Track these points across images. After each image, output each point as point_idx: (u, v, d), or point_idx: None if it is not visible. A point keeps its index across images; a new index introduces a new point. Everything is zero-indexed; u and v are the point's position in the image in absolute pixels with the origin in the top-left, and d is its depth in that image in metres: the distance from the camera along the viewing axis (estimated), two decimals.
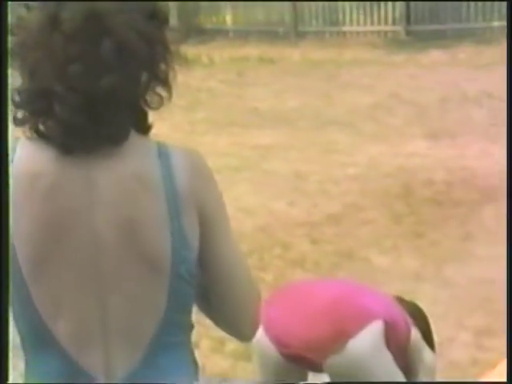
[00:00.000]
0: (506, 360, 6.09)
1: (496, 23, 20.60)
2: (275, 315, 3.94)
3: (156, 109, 2.53)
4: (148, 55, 2.44)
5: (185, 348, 2.64)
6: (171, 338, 2.55)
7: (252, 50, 19.92)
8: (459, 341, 6.50)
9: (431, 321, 6.66)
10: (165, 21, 2.50)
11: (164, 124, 12.68)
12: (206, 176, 2.55)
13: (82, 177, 2.39)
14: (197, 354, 6.10)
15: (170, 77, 2.56)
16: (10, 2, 2.43)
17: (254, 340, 3.81)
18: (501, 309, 6.75)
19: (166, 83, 2.54)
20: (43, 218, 2.38)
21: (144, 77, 2.46)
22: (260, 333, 3.86)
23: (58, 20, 2.32)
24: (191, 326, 2.65)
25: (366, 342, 3.77)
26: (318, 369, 4.06)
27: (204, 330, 6.61)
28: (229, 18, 23.09)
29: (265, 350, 4.00)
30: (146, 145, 2.50)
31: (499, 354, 6.16)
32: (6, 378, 2.51)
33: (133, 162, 2.43)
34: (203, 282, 2.57)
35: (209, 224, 2.51)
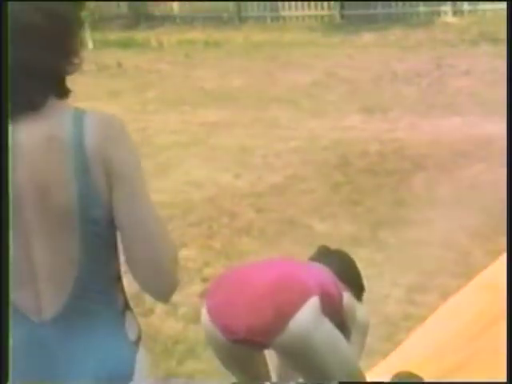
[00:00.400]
0: (436, 314, 6.21)
1: (422, 8, 20.73)
2: (219, 303, 3.94)
3: (71, 74, 2.57)
4: (55, 31, 2.50)
5: (111, 296, 2.61)
6: (94, 286, 2.55)
7: (198, 34, 19.88)
8: (393, 297, 6.56)
9: (367, 281, 6.77)
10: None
11: (116, 104, 12.80)
12: (116, 137, 2.52)
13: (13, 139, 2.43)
14: (152, 318, 6.19)
15: (79, 47, 2.59)
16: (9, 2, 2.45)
17: (203, 326, 3.91)
18: (431, 268, 6.86)
19: (76, 53, 2.56)
20: None
21: (55, 49, 2.50)
22: (207, 321, 3.92)
23: None
24: (117, 276, 2.62)
25: (305, 319, 3.78)
26: (267, 348, 4.09)
27: None
28: (176, 5, 22.96)
29: (213, 336, 4.00)
30: (63, 109, 2.53)
31: (430, 309, 6.28)
32: (6, 378, 2.52)
33: (48, 124, 2.48)
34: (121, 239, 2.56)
35: (119, 183, 2.47)
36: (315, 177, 9.60)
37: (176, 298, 6.64)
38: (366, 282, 6.62)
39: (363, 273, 6.85)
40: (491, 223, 7.78)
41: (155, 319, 6.24)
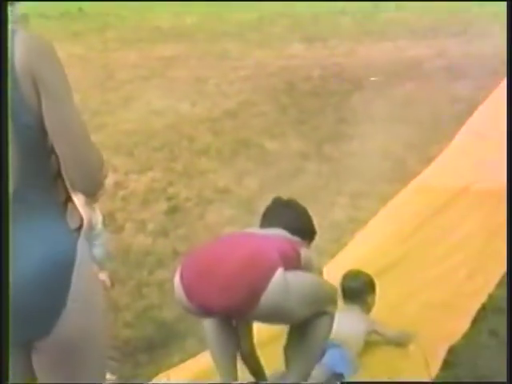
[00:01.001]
0: (377, 217, 6.22)
1: None
2: (193, 283, 3.84)
3: None
4: None
5: (51, 190, 2.59)
6: (34, 182, 2.53)
7: None
8: (338, 204, 6.55)
9: (315, 191, 6.77)
10: None
11: (79, 45, 12.67)
12: (40, 53, 2.48)
13: None
14: (123, 234, 6.13)
15: None
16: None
17: (178, 301, 3.87)
18: (371, 176, 6.84)
19: None
20: None
21: None
22: (184, 300, 3.82)
23: None
24: (56, 173, 2.59)
25: (275, 292, 3.71)
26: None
27: (127, 215, 6.66)
28: None
29: (189, 311, 3.96)
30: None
31: (371, 212, 6.28)
32: (6, 378, 2.47)
33: None
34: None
35: (45, 93, 2.46)
36: (264, 101, 9.53)
37: (144, 215, 6.66)
38: (314, 192, 6.70)
39: (312, 184, 6.90)
40: (423, 134, 7.80)
41: (126, 235, 6.19)
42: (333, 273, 5.21)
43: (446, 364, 4.29)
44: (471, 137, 7.64)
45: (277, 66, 10.98)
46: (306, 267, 4.08)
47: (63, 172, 2.57)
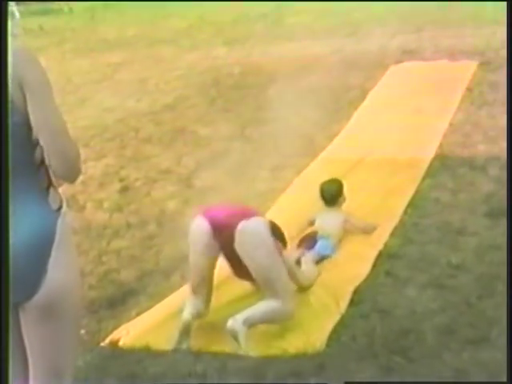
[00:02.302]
0: (292, 185, 6.16)
1: None
2: (210, 212, 4.19)
3: None
4: None
5: (36, 176, 2.55)
6: (21, 169, 2.50)
7: None
8: (260, 176, 6.48)
9: (242, 166, 6.72)
10: None
11: (41, 57, 12.40)
12: (27, 62, 2.47)
13: None
14: (85, 212, 5.99)
15: None
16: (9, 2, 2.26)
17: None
18: (286, 152, 6.81)
19: None
20: None
21: None
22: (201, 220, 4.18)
23: None
24: (40, 162, 2.54)
25: (256, 220, 3.98)
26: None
27: (87, 196, 6.53)
28: None
29: (202, 229, 4.16)
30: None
31: (288, 182, 6.25)
32: (7, 379, 2.39)
33: None
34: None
35: (31, 95, 2.44)
36: (196, 95, 9.46)
37: (101, 195, 6.53)
38: (240, 168, 6.65)
39: (238, 162, 6.85)
40: (326, 116, 7.81)
41: (87, 213, 6.08)
42: None
43: (352, 302, 4.28)
44: (364, 117, 7.67)
45: (205, 65, 10.91)
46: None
47: (47, 162, 2.52)
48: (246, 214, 4.12)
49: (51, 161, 2.50)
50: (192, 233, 4.28)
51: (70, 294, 2.66)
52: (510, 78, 6.18)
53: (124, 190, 6.60)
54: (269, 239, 4.07)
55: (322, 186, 5.27)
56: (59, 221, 2.57)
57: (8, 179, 2.44)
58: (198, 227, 4.21)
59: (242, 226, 4.02)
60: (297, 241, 5.02)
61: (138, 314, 4.40)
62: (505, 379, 2.95)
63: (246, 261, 4.07)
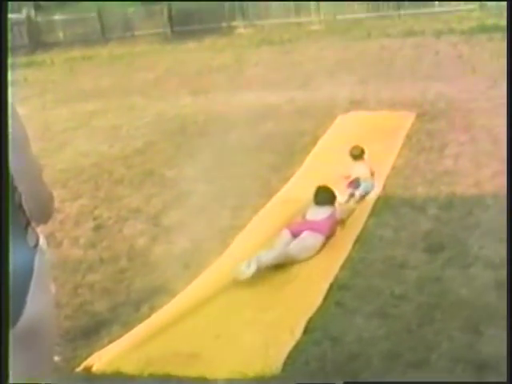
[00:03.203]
0: (251, 223, 6.15)
1: (224, 24, 20.66)
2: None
3: None
4: None
5: (16, 216, 2.52)
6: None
7: (77, 53, 19.36)
8: (223, 215, 6.46)
9: (206, 204, 6.69)
10: None
11: (26, 106, 12.35)
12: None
13: None
14: (62, 248, 5.89)
15: None
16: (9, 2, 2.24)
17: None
18: (245, 193, 6.81)
19: None
20: None
21: None
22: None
23: None
24: (19, 205, 2.52)
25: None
26: None
27: (64, 233, 6.46)
28: (61, 34, 22.16)
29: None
30: None
31: (247, 219, 6.22)
32: (6, 378, 2.34)
33: None
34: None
35: (12, 147, 2.41)
36: (164, 140, 9.42)
37: (77, 232, 6.46)
38: (204, 207, 6.65)
39: (202, 201, 6.83)
40: (281, 160, 7.84)
41: (64, 249, 6.01)
42: (221, 269, 5.20)
43: (306, 330, 4.30)
44: (316, 161, 7.73)
45: (172, 113, 10.89)
46: None
47: (23, 204, 2.51)
48: None
49: (27, 203, 2.50)
50: None
51: (46, 326, 2.64)
52: (510, 79, 6.10)
53: (97, 227, 6.55)
54: None
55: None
56: (36, 257, 2.55)
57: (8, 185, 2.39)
58: None
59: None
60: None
61: (110, 342, 4.35)
62: None
63: None
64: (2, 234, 2.38)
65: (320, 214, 5.80)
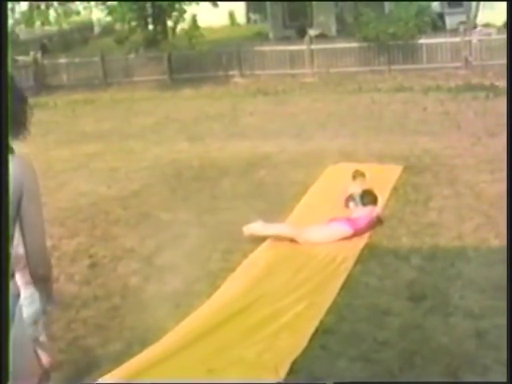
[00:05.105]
0: (240, 266, 6.22)
1: (220, 73, 20.89)
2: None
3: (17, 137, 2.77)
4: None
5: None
6: None
7: (79, 96, 19.46)
8: (213, 258, 6.55)
9: (198, 249, 6.76)
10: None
11: (28, 145, 12.41)
12: (29, 174, 2.66)
13: None
14: (58, 284, 5.93)
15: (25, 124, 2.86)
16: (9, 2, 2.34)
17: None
18: (236, 238, 6.89)
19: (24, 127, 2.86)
20: None
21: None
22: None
23: None
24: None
25: None
26: None
27: (60, 269, 6.50)
28: (65, 77, 22.35)
29: None
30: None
31: (237, 263, 6.28)
32: (6, 378, 2.37)
33: None
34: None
35: (27, 197, 2.60)
36: (160, 184, 9.49)
37: (73, 269, 6.52)
38: (196, 250, 6.72)
39: (195, 244, 6.91)
40: (272, 207, 7.91)
41: (60, 285, 6.03)
42: (210, 309, 5.26)
43: (291, 371, 4.36)
44: (305, 209, 7.82)
45: (168, 158, 10.96)
46: None
47: (26, 256, 2.62)
48: None
49: (31, 254, 2.63)
50: None
51: (25, 368, 2.73)
52: (510, 78, 5.96)
53: (93, 265, 6.60)
54: None
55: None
56: (17, 306, 2.66)
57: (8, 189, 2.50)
58: None
59: None
60: None
61: (100, 376, 4.39)
62: None
63: None
64: (2, 238, 2.46)
65: (359, 213, 7.05)
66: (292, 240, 6.71)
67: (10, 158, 2.57)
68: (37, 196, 2.67)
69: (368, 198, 7.35)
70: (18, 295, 2.67)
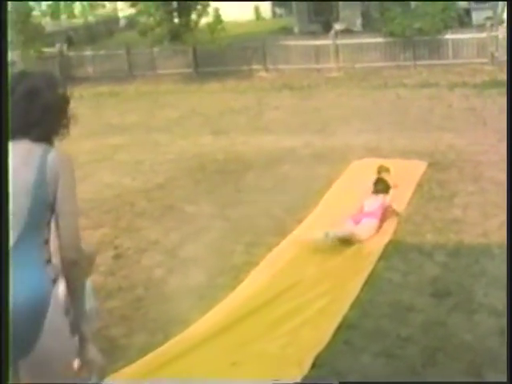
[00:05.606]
0: (264, 260, 6.23)
1: (244, 67, 20.85)
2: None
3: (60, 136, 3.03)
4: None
5: (41, 251, 2.74)
6: (30, 243, 2.71)
7: (105, 88, 19.51)
8: (237, 251, 6.55)
9: (221, 241, 6.78)
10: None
11: None
12: (65, 164, 2.83)
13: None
14: None
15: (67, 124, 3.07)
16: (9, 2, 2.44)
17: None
18: (260, 231, 6.90)
19: (65, 127, 3.06)
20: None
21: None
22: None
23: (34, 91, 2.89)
24: (46, 241, 2.77)
25: None
26: None
27: None
28: (90, 69, 22.44)
29: None
30: (43, 146, 2.85)
31: (260, 257, 6.29)
32: (6, 378, 2.43)
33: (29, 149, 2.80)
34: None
35: (62, 188, 2.75)
36: (184, 177, 9.53)
37: (97, 260, 6.51)
38: (219, 243, 6.74)
39: (218, 237, 6.93)
40: (296, 201, 7.91)
41: None
42: (234, 303, 5.27)
43: (314, 365, 4.36)
44: (329, 204, 7.80)
45: (193, 151, 11.00)
46: None
47: (59, 240, 2.73)
48: None
49: (64, 239, 2.73)
50: None
51: (60, 354, 2.76)
52: (510, 78, 5.90)
53: (117, 257, 6.65)
54: None
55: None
56: (54, 290, 2.73)
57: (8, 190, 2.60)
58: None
59: None
60: None
61: (124, 366, 4.43)
62: None
63: None
64: (2, 238, 2.54)
65: (374, 203, 7.07)
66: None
67: (49, 151, 2.79)
68: (72, 185, 2.79)
69: (379, 185, 7.39)
70: (55, 280, 2.74)
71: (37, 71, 3.11)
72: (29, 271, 2.66)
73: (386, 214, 7.06)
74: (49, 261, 2.76)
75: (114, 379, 4.21)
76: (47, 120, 2.89)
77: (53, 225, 2.80)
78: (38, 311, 2.64)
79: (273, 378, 4.16)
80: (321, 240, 6.34)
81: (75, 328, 2.88)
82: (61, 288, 2.87)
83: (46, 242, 2.77)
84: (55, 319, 2.70)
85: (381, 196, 7.30)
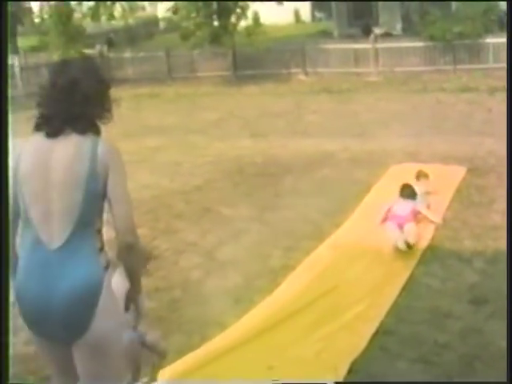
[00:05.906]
0: (302, 265, 6.22)
1: (284, 71, 20.83)
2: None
3: (105, 122, 3.10)
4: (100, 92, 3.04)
5: (94, 240, 2.89)
6: (85, 232, 2.85)
7: (144, 90, 19.67)
8: (274, 255, 6.57)
9: (259, 245, 6.77)
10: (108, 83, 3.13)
11: None
12: (114, 154, 2.95)
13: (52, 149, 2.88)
14: None
15: (111, 103, 3.12)
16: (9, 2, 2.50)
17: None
18: (298, 235, 6.89)
19: (108, 111, 3.10)
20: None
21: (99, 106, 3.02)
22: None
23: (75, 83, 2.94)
24: (99, 230, 2.92)
25: None
26: None
27: None
28: (130, 71, 22.65)
29: None
30: (91, 137, 2.97)
31: (298, 261, 6.30)
32: (7, 378, 2.48)
33: (78, 142, 2.91)
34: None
35: (113, 176, 2.88)
36: (222, 179, 9.57)
37: None
38: (257, 247, 6.75)
39: (255, 241, 6.94)
40: (334, 206, 7.88)
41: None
42: (271, 306, 5.27)
43: (350, 371, 4.35)
44: (368, 209, 7.75)
45: (231, 154, 11.03)
46: None
47: (115, 227, 2.87)
48: None
49: (119, 225, 2.85)
50: None
51: (112, 336, 2.91)
52: (510, 78, 5.81)
53: (155, 258, 6.69)
54: None
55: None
56: (106, 276, 2.88)
57: (7, 189, 2.82)
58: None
59: None
60: None
61: (161, 368, 4.45)
62: None
63: None
64: (2, 237, 2.64)
65: (405, 207, 7.00)
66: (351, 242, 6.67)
67: (98, 144, 2.90)
68: (122, 173, 2.91)
69: (406, 191, 7.27)
70: (107, 267, 2.88)
71: (76, 59, 3.19)
72: (83, 259, 2.81)
73: (417, 218, 7.03)
74: (101, 249, 2.90)
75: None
76: (91, 110, 2.97)
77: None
78: (92, 296, 2.79)
79: (310, 381, 4.16)
80: (403, 248, 6.37)
81: (135, 312, 3.11)
82: (116, 275, 3.08)
83: (99, 231, 2.91)
84: (108, 303, 2.84)
85: (410, 201, 7.16)
